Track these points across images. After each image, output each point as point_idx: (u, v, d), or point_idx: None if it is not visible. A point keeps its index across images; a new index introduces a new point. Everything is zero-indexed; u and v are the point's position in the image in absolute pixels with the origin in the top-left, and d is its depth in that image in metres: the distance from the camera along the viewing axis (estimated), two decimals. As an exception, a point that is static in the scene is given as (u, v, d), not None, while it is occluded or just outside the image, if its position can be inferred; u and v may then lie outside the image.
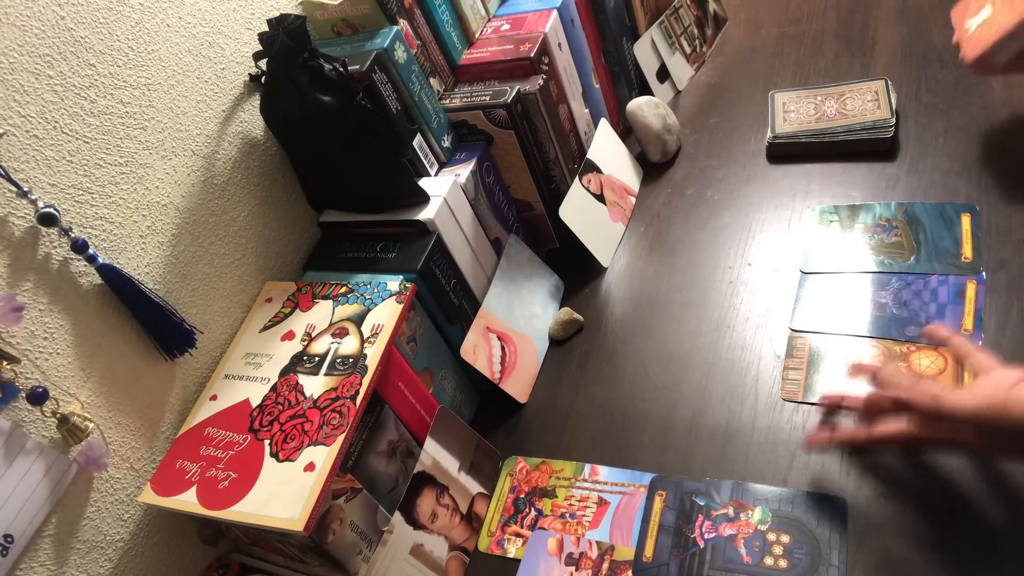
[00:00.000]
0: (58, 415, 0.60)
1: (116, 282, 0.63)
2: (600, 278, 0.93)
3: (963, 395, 0.54)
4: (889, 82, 0.93)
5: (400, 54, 0.78)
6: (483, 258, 0.85)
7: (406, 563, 0.68)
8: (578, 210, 0.91)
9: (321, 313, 0.73)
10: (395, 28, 0.78)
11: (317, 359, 0.69)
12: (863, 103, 0.92)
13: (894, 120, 0.88)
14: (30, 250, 0.59)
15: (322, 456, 0.61)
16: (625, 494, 0.72)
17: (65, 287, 0.61)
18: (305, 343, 0.71)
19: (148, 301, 0.66)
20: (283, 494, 0.60)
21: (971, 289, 0.72)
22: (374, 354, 0.67)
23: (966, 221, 0.78)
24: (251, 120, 0.78)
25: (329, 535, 0.63)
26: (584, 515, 0.72)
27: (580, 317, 0.89)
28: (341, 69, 0.71)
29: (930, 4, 1.04)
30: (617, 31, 1.03)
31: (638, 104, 1.01)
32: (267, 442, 0.64)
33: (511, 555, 0.72)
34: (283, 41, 0.69)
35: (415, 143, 0.81)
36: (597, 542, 0.69)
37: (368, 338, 0.69)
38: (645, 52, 1.07)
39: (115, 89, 0.65)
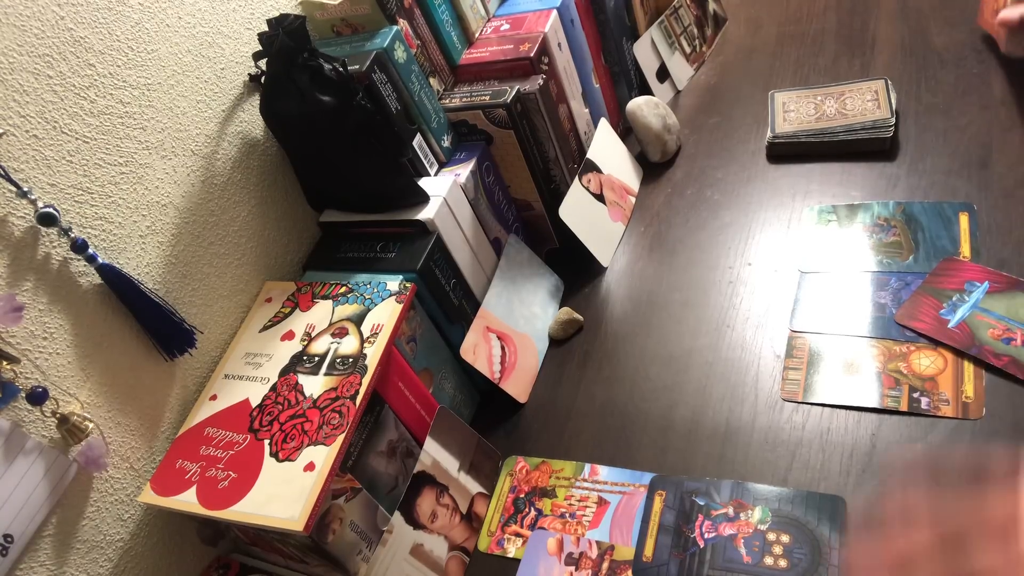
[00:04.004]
0: (58, 415, 0.60)
1: (116, 282, 0.63)
2: (600, 278, 0.93)
3: None
4: (889, 82, 0.93)
5: (400, 54, 0.78)
6: (483, 258, 0.85)
7: (406, 563, 0.68)
8: (578, 210, 0.91)
9: (321, 313, 0.73)
10: (395, 28, 0.78)
11: (317, 359, 0.69)
12: (863, 103, 0.92)
13: (894, 120, 0.88)
14: (30, 250, 0.59)
15: (322, 456, 0.62)
16: (625, 494, 0.72)
17: (65, 287, 0.61)
18: (305, 343, 0.71)
19: (148, 301, 0.66)
20: (283, 494, 0.60)
21: (971, 289, 0.72)
22: (374, 354, 0.67)
23: (964, 220, 0.78)
24: (251, 120, 0.78)
25: (329, 535, 0.63)
26: (584, 515, 0.72)
27: (580, 317, 0.89)
28: (341, 69, 0.71)
29: (930, 4, 1.04)
30: (617, 31, 1.03)
31: (638, 104, 1.01)
32: (267, 442, 0.64)
33: (511, 555, 0.72)
34: (283, 41, 0.69)
35: (415, 143, 0.81)
36: (597, 542, 0.69)
37: (368, 338, 0.69)
38: (645, 52, 1.07)
39: (115, 89, 0.65)
